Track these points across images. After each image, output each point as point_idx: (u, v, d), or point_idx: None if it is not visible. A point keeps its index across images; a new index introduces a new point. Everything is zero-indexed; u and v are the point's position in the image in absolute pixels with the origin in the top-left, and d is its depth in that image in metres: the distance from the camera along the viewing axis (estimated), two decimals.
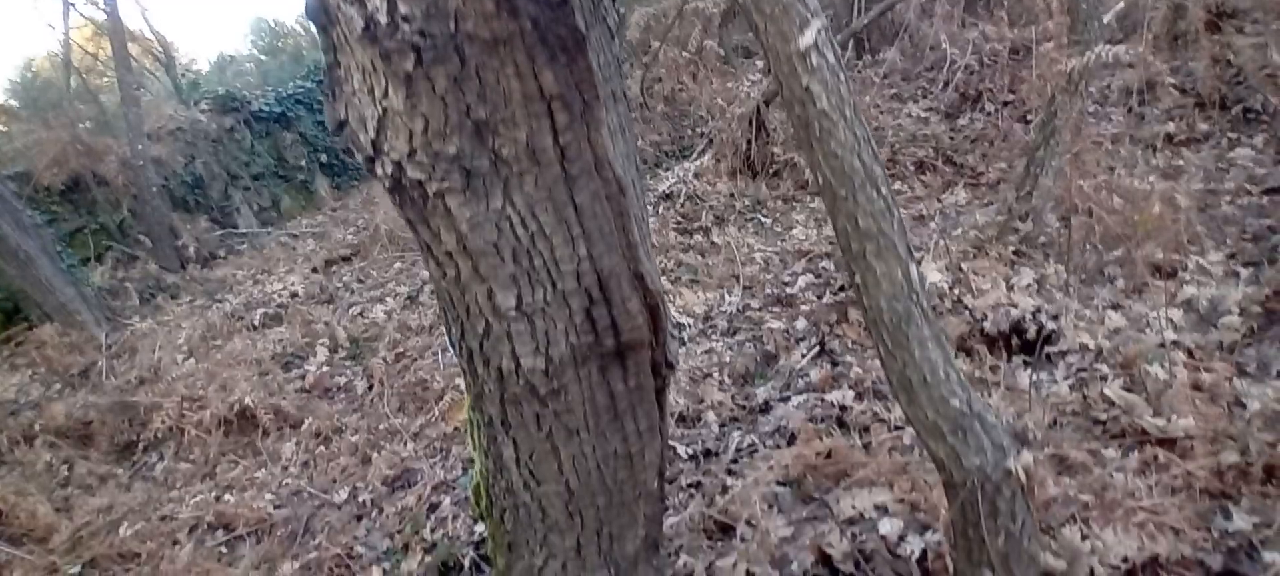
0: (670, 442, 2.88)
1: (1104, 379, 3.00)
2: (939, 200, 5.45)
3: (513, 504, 1.59)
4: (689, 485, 2.64)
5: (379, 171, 1.15)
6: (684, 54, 6.43)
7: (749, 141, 5.59)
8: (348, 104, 1.14)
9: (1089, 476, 2.56)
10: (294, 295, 5.84)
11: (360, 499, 3.30)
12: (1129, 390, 2.90)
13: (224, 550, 3.39)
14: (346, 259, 6.35)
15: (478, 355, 1.33)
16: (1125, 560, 2.14)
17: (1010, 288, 3.73)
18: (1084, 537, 2.23)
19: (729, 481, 2.58)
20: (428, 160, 1.10)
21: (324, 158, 8.94)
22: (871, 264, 0.95)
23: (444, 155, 1.10)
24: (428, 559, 2.70)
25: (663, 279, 4.06)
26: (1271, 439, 2.39)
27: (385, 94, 1.07)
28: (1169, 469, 2.50)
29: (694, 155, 5.95)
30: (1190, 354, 3.03)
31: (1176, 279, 3.65)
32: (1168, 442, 2.61)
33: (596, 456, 1.48)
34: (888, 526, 2.31)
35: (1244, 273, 3.49)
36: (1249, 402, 2.63)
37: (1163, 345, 3.01)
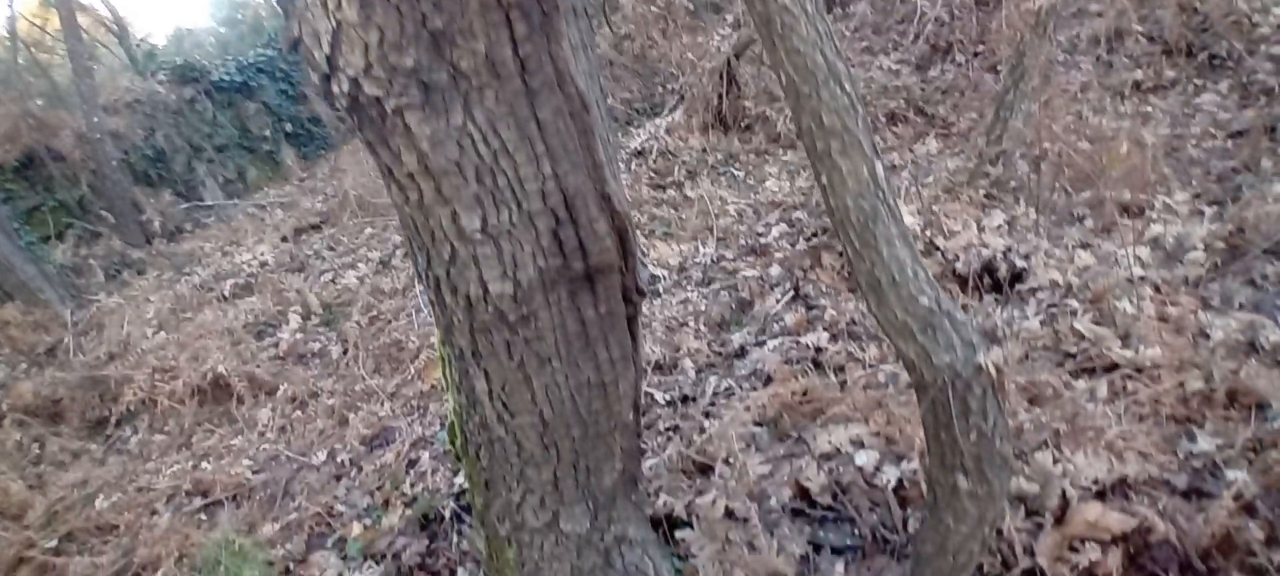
0: (648, 389, 2.89)
1: (1074, 313, 3.07)
2: (911, 150, 5.48)
3: (488, 439, 1.58)
4: (667, 429, 2.65)
5: (335, 89, 1.11)
6: (653, 9, 6.35)
7: (720, 96, 5.55)
8: (301, 19, 1.10)
9: (1060, 405, 2.63)
10: (264, 265, 5.74)
11: (339, 459, 3.28)
12: (1098, 323, 2.97)
13: (203, 517, 3.37)
14: (316, 227, 6.25)
15: (445, 283, 1.31)
16: (1096, 482, 2.21)
17: (981, 229, 3.77)
18: (1056, 461, 2.29)
19: (706, 424, 2.59)
20: (384, 74, 1.07)
21: (289, 127, 8.74)
22: (836, 162, 0.95)
23: (401, 69, 1.07)
24: (408, 512, 2.70)
25: (636, 232, 4.03)
26: (1234, 366, 2.46)
27: (339, 5, 1.04)
28: (1137, 396, 2.59)
29: (665, 111, 5.90)
30: (1157, 289, 3.10)
31: (1144, 218, 3.72)
32: (1135, 372, 2.69)
33: (570, 386, 1.47)
34: (864, 458, 2.34)
35: (1208, 211, 3.57)
36: (1213, 333, 2.71)
37: (1131, 280, 3.07)
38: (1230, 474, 2.14)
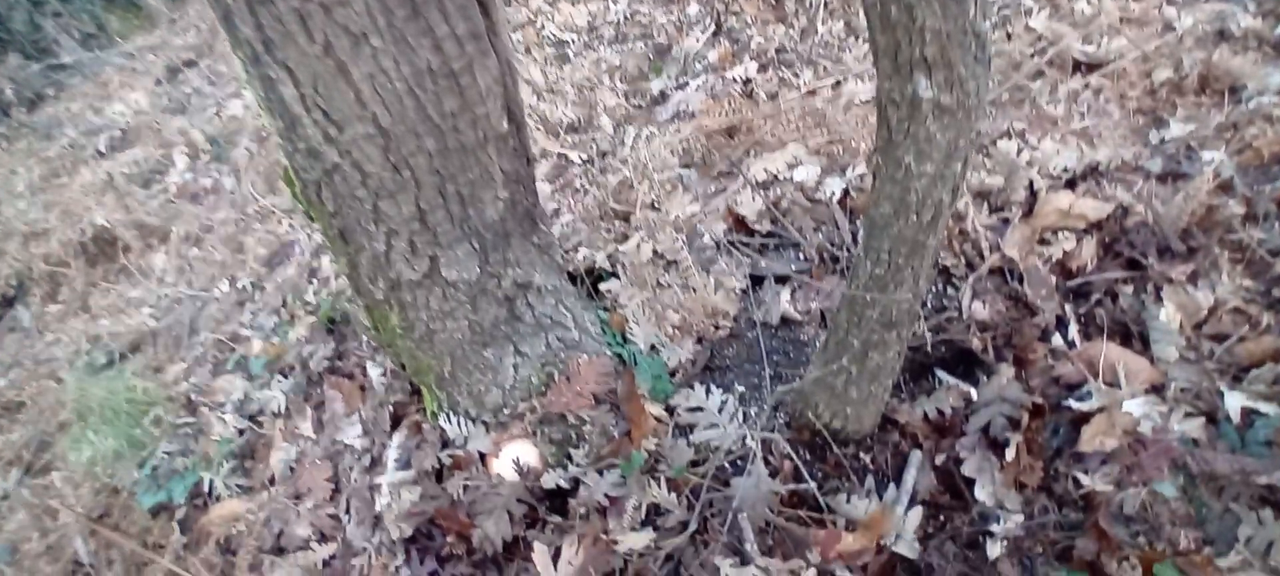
0: (560, 150, 2.57)
1: (1029, 13, 2.80)
2: None
3: (323, 171, 1.26)
4: (584, 185, 2.36)
5: None
6: None
7: None
8: None
9: (1020, 105, 2.43)
10: (140, 112, 5.11)
11: (240, 285, 2.98)
12: (1055, 21, 2.73)
13: (111, 373, 3.10)
14: (192, 63, 5.54)
15: None
16: (1065, 170, 2.06)
17: None
18: (1020, 151, 2.09)
19: (628, 174, 2.30)
20: None
21: None
22: None
23: None
24: (313, 320, 2.44)
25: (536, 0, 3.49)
26: (1204, 55, 2.30)
27: None
28: (1102, 92, 2.43)
29: None
30: None
31: None
32: (1098, 66, 2.50)
33: (403, 75, 1.14)
34: (804, 174, 2.10)
35: None
36: (1179, 24, 2.50)
37: None
38: (1206, 154, 2.01)
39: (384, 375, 2.03)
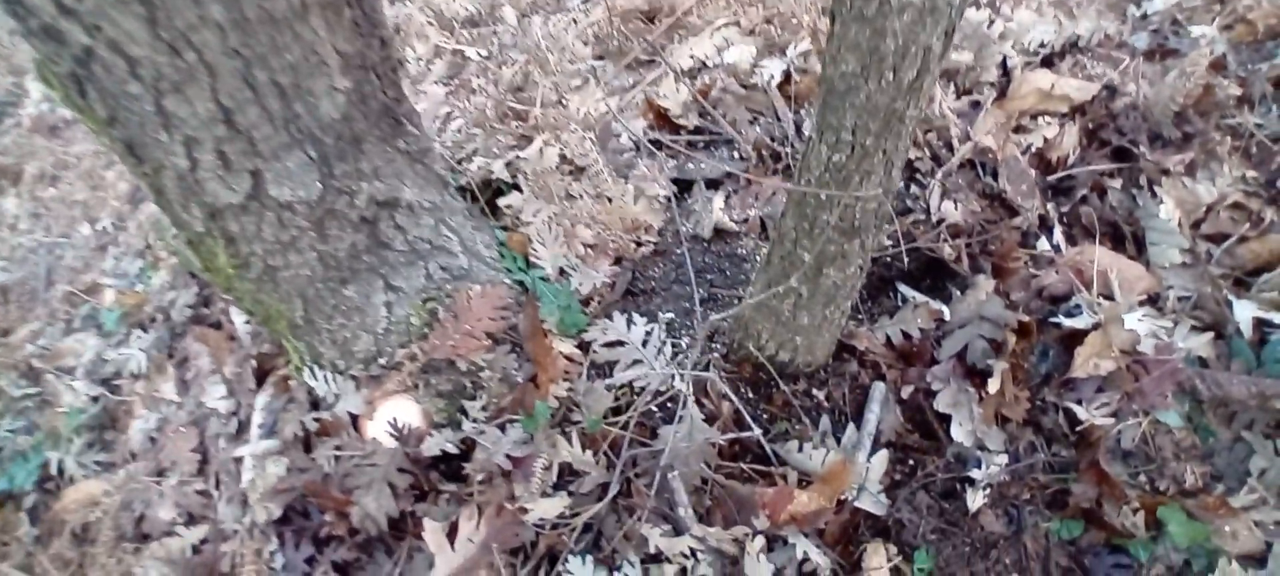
0: (456, 47, 2.20)
1: None
2: None
3: (74, 59, 0.91)
4: (481, 87, 2.01)
5: None
6: None
7: None
8: None
9: None
10: None
11: (100, 226, 2.57)
12: None
13: None
14: None
15: None
16: (1043, 45, 1.79)
17: None
18: (991, 22, 1.82)
19: (531, 70, 1.95)
20: None
21: None
22: None
23: None
24: (175, 261, 2.07)
25: None
26: None
27: None
28: None
29: None
30: None
31: None
32: None
33: None
34: (736, 56, 1.79)
35: None
36: None
37: None
38: (1196, 28, 1.79)
39: (248, 321, 1.71)
